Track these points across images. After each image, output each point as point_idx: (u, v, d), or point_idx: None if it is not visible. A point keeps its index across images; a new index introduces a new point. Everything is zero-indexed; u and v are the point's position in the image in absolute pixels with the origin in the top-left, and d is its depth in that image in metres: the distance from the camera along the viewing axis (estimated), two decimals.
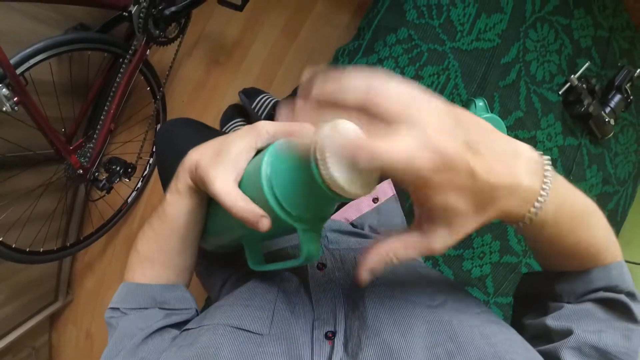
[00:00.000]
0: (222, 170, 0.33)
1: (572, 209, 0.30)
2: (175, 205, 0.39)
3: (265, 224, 0.31)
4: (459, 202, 0.24)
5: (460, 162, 0.23)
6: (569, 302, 0.35)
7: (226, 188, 0.32)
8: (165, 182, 0.60)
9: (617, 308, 0.33)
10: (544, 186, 0.26)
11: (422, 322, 0.34)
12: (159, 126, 1.13)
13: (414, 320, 0.34)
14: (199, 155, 0.36)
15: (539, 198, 0.26)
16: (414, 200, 0.27)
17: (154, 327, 0.39)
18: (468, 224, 0.26)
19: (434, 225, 0.26)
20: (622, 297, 0.33)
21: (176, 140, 0.59)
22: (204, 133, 0.63)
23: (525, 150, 0.27)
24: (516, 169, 0.25)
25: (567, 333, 0.32)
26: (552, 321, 0.34)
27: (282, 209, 0.30)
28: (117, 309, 0.40)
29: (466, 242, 0.81)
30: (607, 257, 0.33)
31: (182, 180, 0.38)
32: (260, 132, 0.34)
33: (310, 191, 0.28)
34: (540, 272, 0.40)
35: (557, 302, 0.36)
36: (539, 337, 0.34)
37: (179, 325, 0.41)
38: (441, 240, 0.27)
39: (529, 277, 0.42)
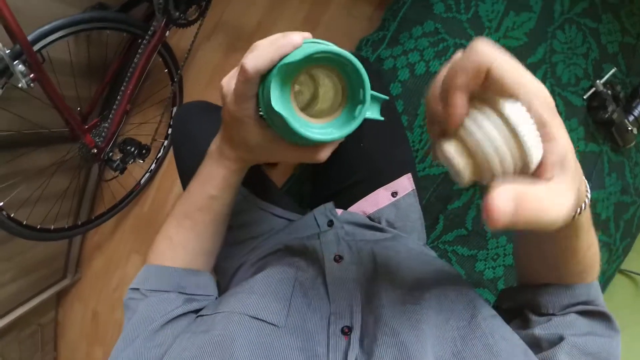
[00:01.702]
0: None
1: (589, 216, 0.32)
2: (224, 201, 0.41)
3: None
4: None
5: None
6: (552, 314, 0.37)
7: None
8: (181, 166, 0.60)
9: (599, 318, 0.37)
10: (587, 188, 0.29)
11: (433, 328, 0.34)
12: (175, 109, 1.12)
13: (426, 326, 0.34)
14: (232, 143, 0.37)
15: (588, 188, 0.29)
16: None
17: (173, 313, 0.39)
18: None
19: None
20: (603, 308, 0.37)
21: (193, 124, 0.58)
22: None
23: None
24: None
25: (557, 340, 0.35)
26: (541, 330, 0.36)
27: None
28: (138, 289, 0.40)
29: (481, 243, 0.80)
30: (592, 273, 0.37)
31: (229, 171, 0.39)
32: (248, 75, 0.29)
33: None
34: (522, 286, 0.42)
35: (541, 313, 0.38)
36: (529, 346, 0.36)
37: (198, 312, 0.41)
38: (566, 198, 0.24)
39: (510, 290, 0.44)
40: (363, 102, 0.28)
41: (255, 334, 0.34)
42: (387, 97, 0.34)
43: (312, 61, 0.28)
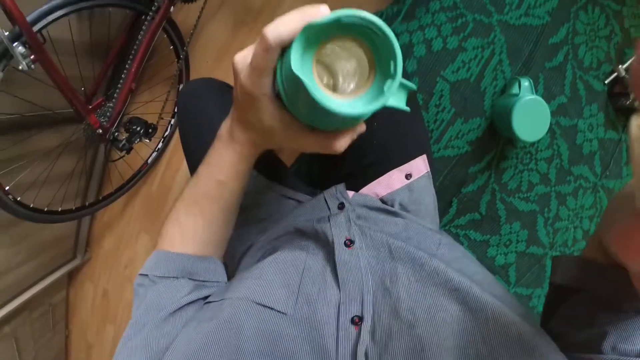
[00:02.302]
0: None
1: None
2: (233, 188, 0.39)
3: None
4: None
5: None
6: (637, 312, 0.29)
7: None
8: (186, 145, 0.58)
9: None
10: None
11: (456, 321, 0.32)
12: (181, 86, 1.10)
13: (449, 318, 0.32)
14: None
15: None
16: None
17: (183, 301, 0.38)
18: None
19: None
20: None
21: (199, 103, 0.56)
22: (228, 94, 0.60)
23: None
24: None
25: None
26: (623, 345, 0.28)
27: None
28: (147, 275, 0.40)
29: (494, 228, 0.78)
30: None
31: (240, 156, 0.37)
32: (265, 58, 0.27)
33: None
34: (591, 263, 0.33)
35: (614, 308, 0.30)
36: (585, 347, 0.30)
37: (207, 299, 0.40)
38: None
39: (581, 266, 0.35)
40: (394, 75, 0.26)
41: (262, 322, 0.33)
42: (414, 87, 0.32)
43: (339, 29, 0.25)
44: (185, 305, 0.38)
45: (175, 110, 1.15)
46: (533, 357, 0.29)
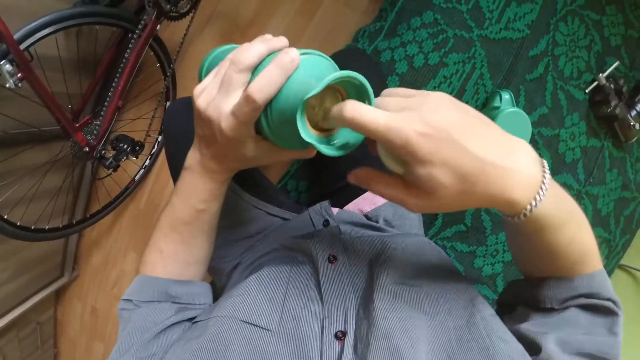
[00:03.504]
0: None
1: (566, 207, 0.31)
2: (212, 211, 0.41)
3: None
4: (444, 176, 0.25)
5: (449, 136, 0.25)
6: (552, 308, 0.36)
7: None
8: (173, 163, 0.59)
9: (602, 313, 0.34)
10: (544, 177, 0.27)
11: (429, 330, 0.33)
12: (168, 103, 1.10)
13: (421, 329, 0.33)
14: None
15: (542, 186, 0.27)
16: (407, 165, 0.27)
17: (167, 322, 0.38)
18: (452, 199, 0.26)
19: (417, 190, 0.27)
20: (606, 302, 0.34)
21: (185, 121, 0.56)
22: None
23: (525, 145, 0.28)
24: (513, 156, 0.27)
25: (553, 339, 0.33)
26: (535, 328, 0.35)
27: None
28: (130, 300, 0.40)
29: (480, 239, 0.79)
30: (591, 263, 0.34)
31: (218, 182, 0.39)
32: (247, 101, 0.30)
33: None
34: (523, 280, 0.41)
35: (541, 308, 0.37)
36: (526, 342, 0.34)
37: (193, 319, 0.40)
38: (419, 204, 0.28)
39: (514, 284, 0.43)
40: None
41: (248, 340, 0.33)
42: None
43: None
44: (170, 326, 0.38)
45: (162, 127, 1.15)
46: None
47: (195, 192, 0.39)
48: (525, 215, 0.28)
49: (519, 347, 0.33)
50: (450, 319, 0.34)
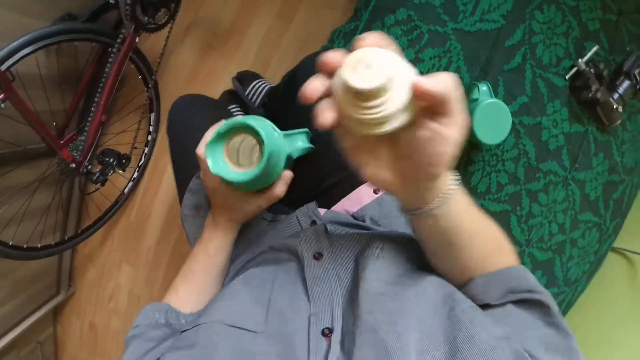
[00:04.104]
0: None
1: (471, 217, 0.35)
2: (221, 256, 0.51)
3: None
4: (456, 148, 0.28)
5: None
6: (488, 304, 0.37)
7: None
8: (176, 159, 0.63)
9: (532, 306, 0.36)
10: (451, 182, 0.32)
11: (415, 322, 0.33)
12: (152, 115, 1.10)
13: (407, 322, 0.32)
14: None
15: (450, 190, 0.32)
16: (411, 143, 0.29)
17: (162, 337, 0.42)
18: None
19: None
20: (526, 295, 0.36)
21: (187, 117, 0.61)
22: (217, 109, 0.69)
23: None
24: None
25: None
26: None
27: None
28: (137, 326, 0.43)
29: None
30: (500, 259, 0.37)
31: (224, 232, 0.50)
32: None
33: None
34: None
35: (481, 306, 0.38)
36: None
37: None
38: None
39: None
40: (262, 153, 0.41)
41: (235, 343, 0.33)
42: (307, 147, 0.54)
43: (227, 132, 0.42)
44: (164, 339, 0.41)
45: (149, 138, 1.15)
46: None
47: (210, 241, 0.50)
48: (432, 209, 0.32)
49: (502, 333, 0.33)
50: (434, 313, 0.34)
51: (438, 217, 0.32)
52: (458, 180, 0.32)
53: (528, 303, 0.36)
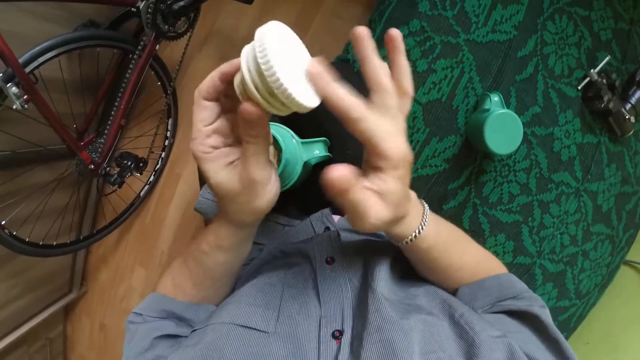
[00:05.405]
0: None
1: (446, 234, 0.38)
2: (212, 257, 0.42)
3: None
4: (402, 190, 0.31)
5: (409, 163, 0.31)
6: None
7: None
8: None
9: (523, 317, 0.38)
10: (425, 211, 0.36)
11: (420, 323, 0.33)
12: (170, 120, 1.13)
13: (414, 323, 0.33)
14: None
15: (422, 223, 0.35)
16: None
17: (165, 331, 0.39)
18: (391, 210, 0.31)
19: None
20: (530, 307, 0.37)
21: None
22: None
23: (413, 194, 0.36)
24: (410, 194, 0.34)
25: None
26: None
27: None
28: (140, 314, 0.41)
29: (479, 242, 0.78)
30: (484, 269, 0.40)
31: (220, 225, 0.41)
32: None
33: None
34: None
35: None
36: None
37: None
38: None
39: None
40: (282, 157, 0.45)
41: (244, 344, 0.34)
42: (323, 155, 0.56)
43: None
44: (169, 335, 0.40)
45: (165, 143, 1.18)
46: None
47: (207, 232, 0.41)
48: (413, 238, 0.35)
49: (499, 333, 0.34)
50: (434, 314, 0.36)
51: (423, 239, 0.35)
52: (423, 201, 0.36)
53: (518, 314, 0.38)
